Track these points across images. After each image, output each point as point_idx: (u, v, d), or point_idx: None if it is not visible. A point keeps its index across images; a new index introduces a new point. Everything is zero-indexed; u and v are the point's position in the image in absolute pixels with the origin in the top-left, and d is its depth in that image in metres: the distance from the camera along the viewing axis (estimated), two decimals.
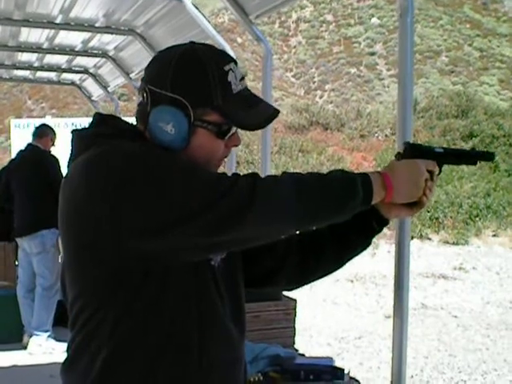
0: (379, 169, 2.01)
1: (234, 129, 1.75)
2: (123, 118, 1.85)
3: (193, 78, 1.67)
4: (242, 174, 1.60)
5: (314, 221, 1.67)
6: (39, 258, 6.51)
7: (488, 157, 2.14)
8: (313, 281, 2.06)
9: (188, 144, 1.68)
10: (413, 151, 1.96)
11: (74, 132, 1.75)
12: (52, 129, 6.99)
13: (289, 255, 1.96)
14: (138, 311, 1.61)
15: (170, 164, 1.57)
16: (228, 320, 1.76)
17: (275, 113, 1.76)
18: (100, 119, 1.76)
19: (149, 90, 1.70)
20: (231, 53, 5.24)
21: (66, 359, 1.73)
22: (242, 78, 1.75)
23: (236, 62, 1.74)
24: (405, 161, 1.91)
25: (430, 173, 1.91)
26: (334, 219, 1.71)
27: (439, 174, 1.98)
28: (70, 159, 1.70)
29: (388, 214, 1.96)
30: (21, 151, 6.97)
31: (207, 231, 1.50)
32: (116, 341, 1.61)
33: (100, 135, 1.68)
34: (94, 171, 1.56)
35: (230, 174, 1.59)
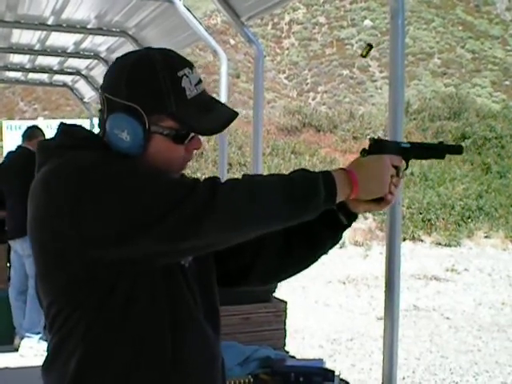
0: None
1: (192, 133, 1.75)
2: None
3: (145, 85, 1.68)
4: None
5: (276, 222, 1.66)
6: (32, 260, 6.48)
7: (456, 150, 2.12)
8: (286, 278, 2.05)
9: (145, 150, 1.69)
10: (378, 147, 1.93)
11: (38, 143, 1.78)
12: (41, 130, 6.95)
13: (259, 253, 1.94)
14: (109, 314, 1.62)
15: (127, 173, 1.58)
16: (202, 319, 1.77)
17: (232, 116, 1.75)
18: (62, 129, 1.77)
19: (105, 97, 1.72)
20: (223, 54, 5.26)
21: (45, 360, 1.75)
22: (199, 82, 1.74)
23: (192, 67, 1.74)
24: (370, 157, 1.88)
25: (396, 168, 1.90)
26: (297, 219, 1.70)
27: (406, 169, 1.96)
28: (36, 170, 1.71)
29: (356, 208, 1.93)
30: (11, 153, 6.95)
31: (168, 238, 1.52)
32: (89, 342, 1.63)
33: (59, 146, 1.70)
34: (51, 185, 1.59)
35: (190, 179, 1.61)
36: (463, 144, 24.63)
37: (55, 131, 1.78)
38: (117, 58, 1.78)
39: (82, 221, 1.53)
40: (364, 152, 1.92)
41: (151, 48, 1.77)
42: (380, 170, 1.84)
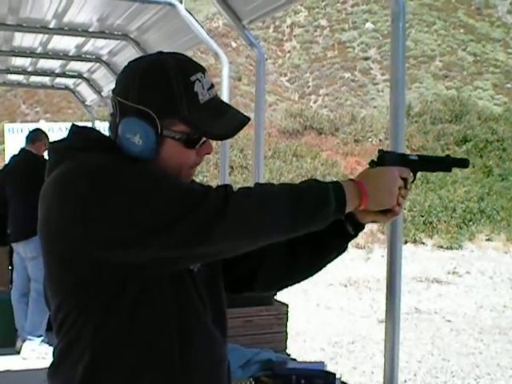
0: None
1: (204, 137, 1.76)
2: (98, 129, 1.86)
3: (158, 90, 1.68)
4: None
5: (286, 232, 1.66)
6: (34, 262, 6.49)
7: (462, 163, 2.14)
8: (290, 285, 2.06)
9: (157, 154, 1.69)
10: (387, 159, 1.96)
11: (50, 144, 1.78)
12: (45, 133, 6.96)
13: (265, 260, 1.95)
14: (117, 317, 1.63)
15: (138, 177, 1.58)
16: (210, 323, 1.78)
17: (244, 121, 1.76)
18: (74, 131, 1.78)
19: (117, 101, 1.72)
20: (224, 57, 5.26)
21: (51, 364, 1.75)
22: (211, 87, 1.75)
23: (204, 72, 1.75)
24: (379, 168, 1.90)
25: (404, 180, 1.91)
26: (306, 229, 1.70)
27: (413, 181, 1.98)
28: (47, 172, 1.72)
29: (363, 219, 1.94)
30: (14, 156, 6.96)
31: (177, 244, 1.52)
32: (97, 346, 1.63)
33: (72, 148, 1.70)
34: (64, 187, 1.60)
35: (202, 185, 1.61)
36: (465, 147, 24.68)
37: (67, 132, 1.78)
38: (129, 62, 1.78)
39: (90, 223, 1.53)
40: (373, 163, 1.95)
41: (164, 52, 1.78)
42: (389, 182, 1.86)
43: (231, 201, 1.54)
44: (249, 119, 1.77)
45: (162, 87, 1.68)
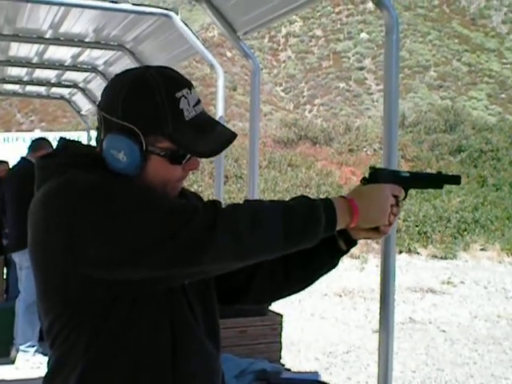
0: None
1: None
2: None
3: (142, 106, 1.66)
4: (208, 199, 1.61)
5: (276, 251, 1.65)
6: (28, 272, 6.43)
7: (454, 180, 2.11)
8: (281, 298, 2.06)
9: (142, 170, 1.68)
10: (379, 176, 1.93)
11: (37, 160, 1.76)
12: (49, 142, 6.81)
13: (256, 274, 1.94)
14: (108, 332, 1.63)
15: (127, 196, 1.57)
16: (203, 335, 1.77)
17: (231, 138, 1.74)
18: (61, 146, 1.78)
19: (102, 116, 1.70)
20: (220, 68, 5.28)
21: (45, 376, 1.75)
22: (198, 103, 1.73)
23: (191, 87, 1.73)
24: (371, 186, 1.88)
25: (396, 197, 1.89)
26: (296, 247, 1.69)
27: (405, 198, 1.95)
28: (35, 188, 1.71)
29: (356, 235, 1.92)
30: (13, 165, 6.93)
31: (167, 264, 1.52)
32: (89, 360, 1.63)
33: (59, 164, 1.68)
34: (50, 205, 1.59)
35: (191, 204, 1.60)
36: (459, 157, 24.74)
37: (55, 146, 1.78)
38: (115, 76, 1.76)
39: (78, 242, 1.53)
40: (364, 181, 1.93)
41: (150, 67, 1.76)
42: (381, 200, 1.85)
43: (219, 222, 1.52)
44: (235, 136, 1.75)
45: (147, 104, 1.66)
